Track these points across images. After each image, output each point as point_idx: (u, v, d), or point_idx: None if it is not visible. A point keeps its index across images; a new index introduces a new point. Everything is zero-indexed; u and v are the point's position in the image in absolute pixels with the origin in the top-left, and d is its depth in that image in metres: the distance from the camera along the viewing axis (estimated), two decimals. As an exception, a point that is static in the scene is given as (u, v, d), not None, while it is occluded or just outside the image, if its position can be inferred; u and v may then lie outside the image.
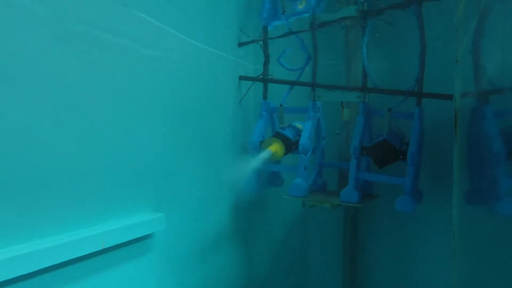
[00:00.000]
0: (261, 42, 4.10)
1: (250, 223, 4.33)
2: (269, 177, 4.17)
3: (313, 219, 4.62)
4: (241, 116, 4.19)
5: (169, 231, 3.12)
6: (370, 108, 3.80)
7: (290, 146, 3.88)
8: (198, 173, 3.54)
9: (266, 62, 4.11)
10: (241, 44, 4.10)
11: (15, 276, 2.03)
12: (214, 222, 3.83)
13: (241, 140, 4.10)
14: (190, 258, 3.49)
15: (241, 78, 4.16)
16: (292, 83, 4.02)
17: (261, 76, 4.13)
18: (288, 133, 3.94)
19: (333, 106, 4.21)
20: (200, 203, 3.59)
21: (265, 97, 4.12)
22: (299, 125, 4.05)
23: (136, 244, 2.84)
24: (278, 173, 4.18)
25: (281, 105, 4.00)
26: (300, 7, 3.90)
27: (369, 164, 3.82)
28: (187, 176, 3.42)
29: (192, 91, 3.46)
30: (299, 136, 3.88)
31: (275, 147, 3.82)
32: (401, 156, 3.55)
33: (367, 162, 3.82)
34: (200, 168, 3.57)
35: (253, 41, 4.12)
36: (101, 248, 2.48)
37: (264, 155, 3.74)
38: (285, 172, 4.18)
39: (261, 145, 3.89)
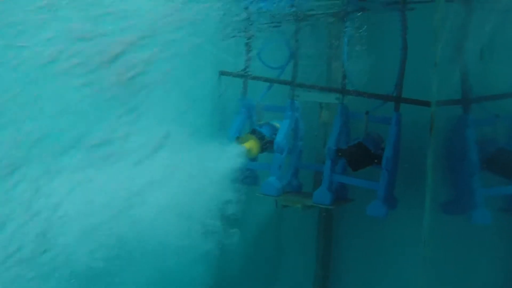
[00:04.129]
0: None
1: (222, 221, 4.26)
2: (243, 174, 4.11)
3: (287, 220, 4.55)
4: (219, 111, 4.13)
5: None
6: (348, 110, 3.75)
7: (266, 144, 3.82)
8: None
9: (248, 59, 4.05)
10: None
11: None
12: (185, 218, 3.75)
13: (219, 135, 4.02)
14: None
15: (222, 73, 4.10)
16: (271, 81, 3.96)
17: (241, 72, 4.06)
18: (265, 130, 3.89)
19: (312, 107, 4.15)
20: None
21: (244, 93, 4.06)
22: (276, 124, 3.99)
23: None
24: (253, 171, 4.11)
25: (259, 103, 3.94)
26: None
27: (345, 167, 3.77)
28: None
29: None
30: (276, 134, 3.83)
31: (251, 144, 3.76)
32: (376, 160, 3.50)
33: (343, 165, 3.76)
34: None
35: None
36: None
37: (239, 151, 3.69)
38: (260, 171, 4.11)
39: (237, 141, 3.83)
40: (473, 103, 3.46)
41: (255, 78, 4.02)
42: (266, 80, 3.98)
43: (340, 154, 3.60)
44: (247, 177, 4.09)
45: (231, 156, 3.62)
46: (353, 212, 4.13)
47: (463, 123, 3.45)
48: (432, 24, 3.11)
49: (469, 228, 3.35)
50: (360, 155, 3.50)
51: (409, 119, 3.60)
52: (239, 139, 3.84)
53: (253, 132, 3.86)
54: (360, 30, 3.55)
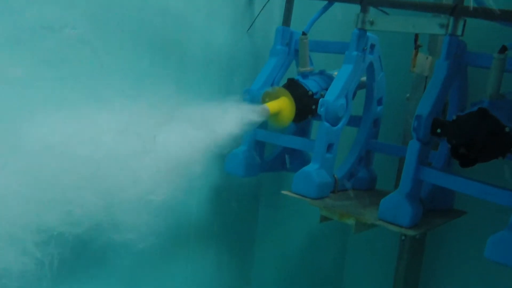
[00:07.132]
0: None
1: (254, 224, 2.82)
2: (278, 155, 2.54)
3: (353, 240, 2.90)
4: (247, 52, 2.59)
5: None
6: (465, 49, 1.99)
7: (309, 105, 2.21)
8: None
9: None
10: None
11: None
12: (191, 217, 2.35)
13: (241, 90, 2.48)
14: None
15: (254, -13, 2.53)
16: (330, -2, 2.29)
17: (282, -15, 2.45)
18: (311, 83, 2.27)
19: (402, 46, 2.41)
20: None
21: (286, 21, 2.45)
22: (335, 73, 2.35)
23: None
24: (295, 150, 2.53)
25: (304, 33, 2.30)
26: None
27: (449, 158, 2.05)
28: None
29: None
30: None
31: (279, 104, 2.17)
32: (513, 148, 1.73)
33: (446, 153, 2.05)
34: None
35: None
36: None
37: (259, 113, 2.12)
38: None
39: (263, 98, 2.26)
40: None
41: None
42: (320, -5, 2.32)
43: (439, 130, 1.88)
44: (286, 158, 2.55)
45: (242, 121, 2.05)
46: (460, 231, 2.42)
47: None
48: None
49: None
50: (481, 135, 1.75)
51: None
52: (267, 94, 2.26)
53: (291, 84, 2.25)
54: None
